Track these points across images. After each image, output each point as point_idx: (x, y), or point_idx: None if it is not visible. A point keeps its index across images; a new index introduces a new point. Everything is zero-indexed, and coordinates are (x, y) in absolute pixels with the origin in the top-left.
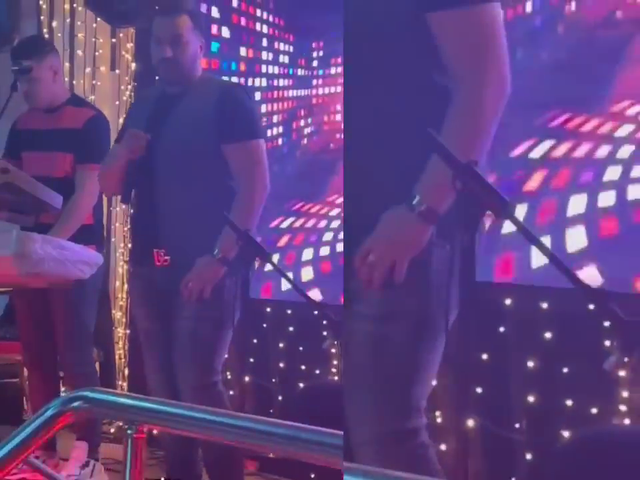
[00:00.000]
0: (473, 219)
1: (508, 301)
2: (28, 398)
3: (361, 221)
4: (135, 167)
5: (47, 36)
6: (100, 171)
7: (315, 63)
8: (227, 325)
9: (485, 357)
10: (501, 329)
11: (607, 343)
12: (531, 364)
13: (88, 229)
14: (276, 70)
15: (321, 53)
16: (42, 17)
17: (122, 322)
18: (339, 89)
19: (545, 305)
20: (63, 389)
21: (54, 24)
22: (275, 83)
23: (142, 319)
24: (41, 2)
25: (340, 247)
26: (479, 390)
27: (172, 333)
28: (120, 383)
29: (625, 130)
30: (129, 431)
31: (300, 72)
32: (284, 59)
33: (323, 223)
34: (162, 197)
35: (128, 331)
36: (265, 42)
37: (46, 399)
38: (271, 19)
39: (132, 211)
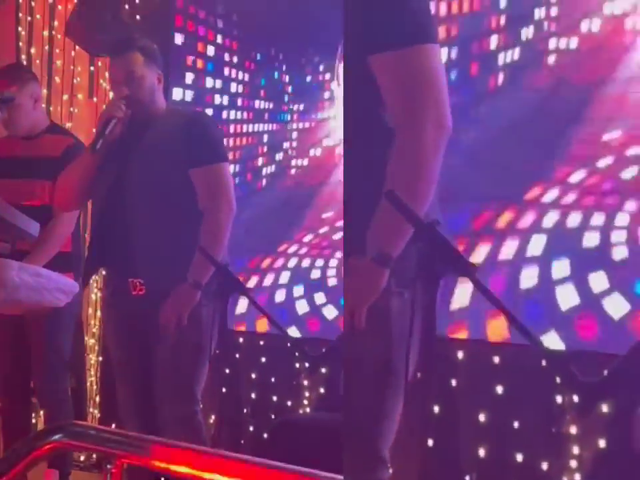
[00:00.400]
0: (434, 275)
1: (461, 355)
2: None
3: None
4: (103, 187)
5: (25, 62)
6: (59, 181)
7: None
8: (205, 353)
9: (437, 409)
10: (453, 382)
11: (559, 399)
12: (482, 417)
13: (65, 257)
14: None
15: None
16: (20, 44)
17: (94, 349)
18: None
19: (497, 360)
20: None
21: (32, 50)
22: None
23: (116, 348)
24: (20, 28)
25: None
26: (430, 442)
27: (149, 363)
28: (91, 410)
29: (570, 198)
30: (108, 465)
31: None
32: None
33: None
34: (135, 226)
35: (100, 358)
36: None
37: (18, 426)
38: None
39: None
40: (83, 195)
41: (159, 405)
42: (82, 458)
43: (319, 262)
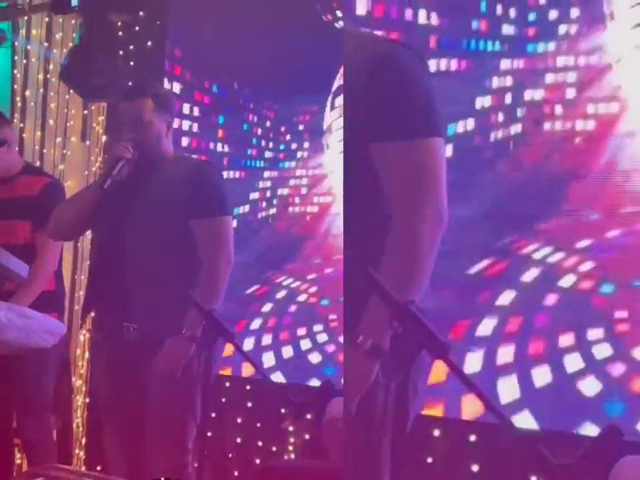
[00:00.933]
0: (409, 356)
1: (437, 432)
2: None
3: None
4: (102, 221)
5: (19, 104)
6: (57, 209)
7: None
8: (197, 405)
9: None
10: (429, 460)
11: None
12: None
13: (49, 296)
14: None
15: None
16: (15, 86)
17: (81, 390)
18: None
19: (472, 438)
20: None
21: (27, 93)
22: None
23: (106, 390)
24: (15, 71)
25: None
26: None
27: (139, 408)
28: (77, 451)
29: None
30: None
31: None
32: None
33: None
34: (132, 270)
35: (87, 400)
36: None
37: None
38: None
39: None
40: (79, 228)
41: (149, 455)
42: None
43: (305, 307)
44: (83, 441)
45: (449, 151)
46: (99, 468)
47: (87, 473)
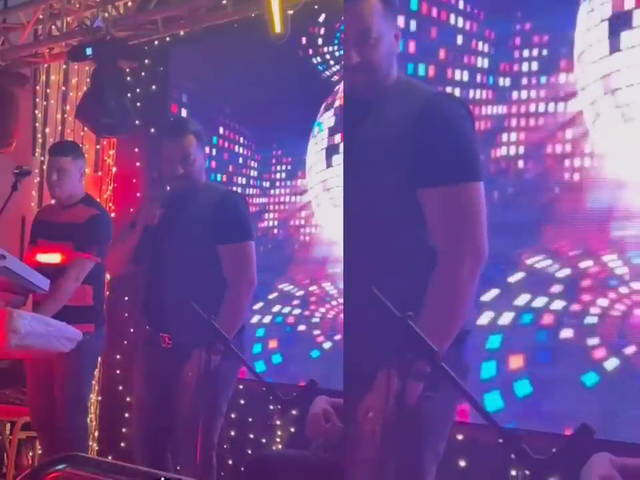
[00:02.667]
0: (406, 363)
1: None
2: (8, 454)
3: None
4: (145, 253)
5: (40, 140)
6: (108, 252)
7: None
8: (223, 405)
9: None
10: None
11: (514, 472)
12: None
13: (87, 310)
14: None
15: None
16: (37, 124)
17: (94, 389)
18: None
19: (460, 437)
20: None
21: (47, 130)
22: None
23: (142, 392)
24: (36, 111)
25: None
26: None
27: (171, 413)
28: (91, 444)
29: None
30: None
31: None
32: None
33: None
34: (168, 288)
35: (100, 398)
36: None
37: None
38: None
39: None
40: (126, 263)
41: (181, 446)
42: None
43: (290, 319)
44: (96, 434)
45: None
46: (109, 458)
47: (106, 461)
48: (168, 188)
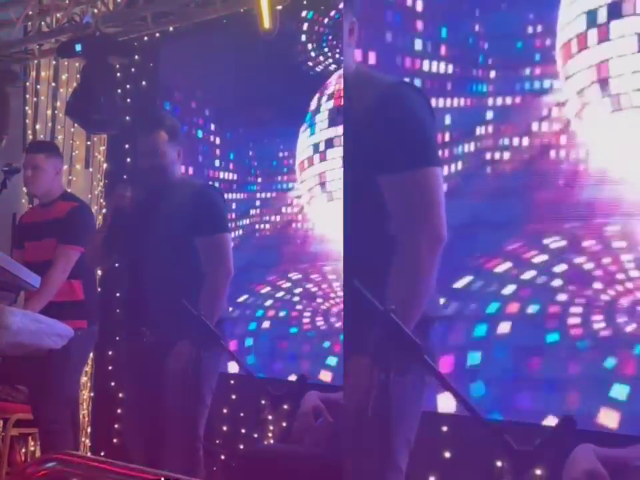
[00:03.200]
0: (387, 358)
1: None
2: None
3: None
4: (116, 243)
5: (30, 136)
6: (87, 245)
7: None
8: (207, 397)
9: None
10: None
11: (499, 463)
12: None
13: (78, 305)
14: None
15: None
16: (27, 121)
17: (87, 386)
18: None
19: (445, 428)
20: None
21: (37, 126)
22: None
23: (129, 384)
24: (27, 108)
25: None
26: None
27: (158, 403)
28: (83, 439)
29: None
30: None
31: None
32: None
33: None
34: (147, 281)
35: (92, 394)
36: None
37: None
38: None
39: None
40: (99, 253)
41: (167, 442)
42: None
43: (282, 312)
44: (89, 430)
45: None
46: (102, 453)
47: (97, 459)
48: (124, 176)
